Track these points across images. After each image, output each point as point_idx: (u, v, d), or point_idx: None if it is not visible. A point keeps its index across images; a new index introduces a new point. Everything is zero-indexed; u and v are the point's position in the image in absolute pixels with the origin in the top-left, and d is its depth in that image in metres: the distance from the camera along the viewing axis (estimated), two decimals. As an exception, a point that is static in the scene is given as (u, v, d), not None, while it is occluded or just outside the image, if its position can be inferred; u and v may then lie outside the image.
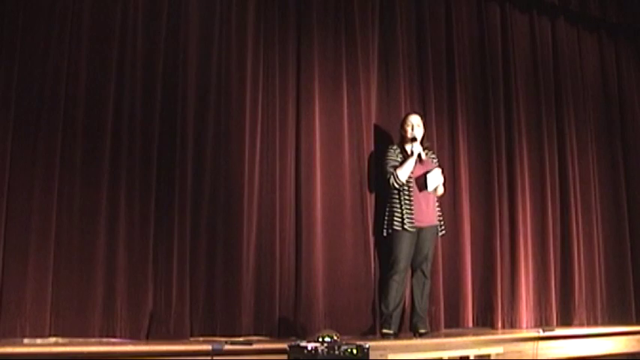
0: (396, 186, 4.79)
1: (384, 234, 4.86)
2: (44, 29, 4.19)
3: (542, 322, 5.68)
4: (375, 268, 4.99)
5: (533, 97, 6.17)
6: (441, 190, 4.98)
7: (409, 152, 4.83)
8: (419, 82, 5.55)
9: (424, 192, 4.82)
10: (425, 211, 4.81)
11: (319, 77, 5.04)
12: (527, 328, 5.50)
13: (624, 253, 6.37)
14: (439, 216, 4.92)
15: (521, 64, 6.14)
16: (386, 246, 4.88)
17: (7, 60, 4.04)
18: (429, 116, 5.41)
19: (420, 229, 4.78)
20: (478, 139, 5.77)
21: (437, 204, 4.93)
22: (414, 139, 4.86)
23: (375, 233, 5.01)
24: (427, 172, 4.82)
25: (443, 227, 4.94)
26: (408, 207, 4.76)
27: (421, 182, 4.81)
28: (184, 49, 4.58)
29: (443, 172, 4.96)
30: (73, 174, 4.17)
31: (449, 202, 5.36)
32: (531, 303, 5.69)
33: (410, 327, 4.87)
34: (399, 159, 4.87)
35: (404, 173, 4.78)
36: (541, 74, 6.25)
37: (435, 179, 4.84)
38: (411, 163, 4.79)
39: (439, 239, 5.08)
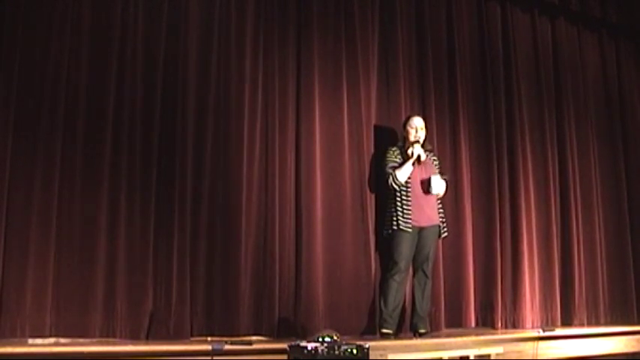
0: (395, 187, 4.79)
1: (384, 234, 4.85)
2: (44, 29, 4.19)
3: (546, 322, 5.67)
4: (375, 268, 4.98)
5: (534, 96, 6.17)
6: (442, 192, 4.96)
7: (409, 154, 4.82)
8: (419, 82, 5.54)
9: (424, 192, 4.82)
10: (425, 211, 4.80)
11: (319, 77, 5.03)
12: (532, 328, 5.46)
13: (626, 252, 6.38)
14: (441, 217, 4.90)
15: (522, 63, 6.14)
16: (386, 246, 4.87)
17: (7, 60, 4.04)
18: (430, 116, 5.39)
19: (420, 229, 4.78)
20: (479, 139, 5.77)
21: (439, 205, 4.92)
22: (416, 142, 4.86)
23: (375, 233, 5.01)
24: (429, 177, 4.80)
25: (445, 229, 4.94)
26: (408, 207, 4.75)
27: (422, 183, 4.80)
28: (184, 49, 4.58)
29: (445, 175, 4.95)
30: (73, 174, 4.17)
31: (450, 201, 5.35)
32: (537, 303, 5.68)
33: (410, 327, 4.86)
34: (398, 160, 4.86)
35: (403, 175, 4.77)
36: (542, 74, 6.25)
37: (439, 185, 4.83)
38: (409, 164, 4.79)
39: (440, 239, 5.06)
